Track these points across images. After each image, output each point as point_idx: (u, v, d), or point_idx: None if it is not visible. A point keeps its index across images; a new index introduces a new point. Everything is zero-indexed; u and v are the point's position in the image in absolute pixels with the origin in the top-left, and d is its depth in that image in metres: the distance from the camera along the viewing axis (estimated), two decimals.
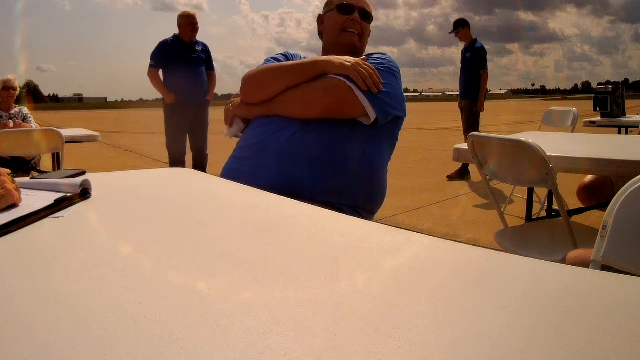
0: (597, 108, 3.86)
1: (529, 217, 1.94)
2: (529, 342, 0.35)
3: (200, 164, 4.22)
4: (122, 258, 0.55)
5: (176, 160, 4.12)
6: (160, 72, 4.11)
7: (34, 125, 3.57)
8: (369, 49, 1.48)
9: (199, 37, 4.20)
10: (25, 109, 3.63)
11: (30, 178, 0.96)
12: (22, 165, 3.26)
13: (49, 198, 0.78)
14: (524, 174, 1.46)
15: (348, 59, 1.28)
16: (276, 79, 1.31)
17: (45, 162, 3.44)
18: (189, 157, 4.26)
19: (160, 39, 4.14)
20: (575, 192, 1.95)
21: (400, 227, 0.69)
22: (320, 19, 1.51)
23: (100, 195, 0.88)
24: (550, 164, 1.31)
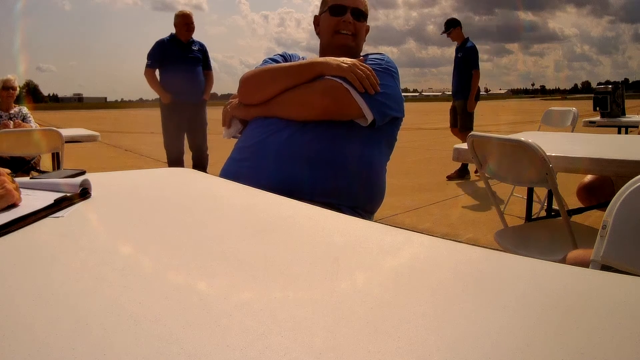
0: (597, 108, 3.86)
1: (529, 217, 1.94)
2: (529, 342, 0.35)
3: (200, 164, 4.21)
4: (122, 258, 0.55)
5: (175, 160, 4.11)
6: (157, 72, 4.10)
7: (34, 125, 3.57)
8: (369, 48, 1.48)
9: (199, 37, 4.20)
10: (25, 109, 3.63)
11: (30, 178, 0.95)
12: (22, 165, 3.25)
13: (49, 198, 0.78)
14: (524, 174, 1.45)
15: (346, 61, 1.27)
16: (274, 81, 1.31)
17: (45, 162, 3.44)
18: (188, 157, 4.25)
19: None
20: (575, 192, 1.95)
21: (400, 227, 0.68)
22: (316, 20, 1.50)
23: (100, 195, 0.88)
24: (550, 164, 1.31)
